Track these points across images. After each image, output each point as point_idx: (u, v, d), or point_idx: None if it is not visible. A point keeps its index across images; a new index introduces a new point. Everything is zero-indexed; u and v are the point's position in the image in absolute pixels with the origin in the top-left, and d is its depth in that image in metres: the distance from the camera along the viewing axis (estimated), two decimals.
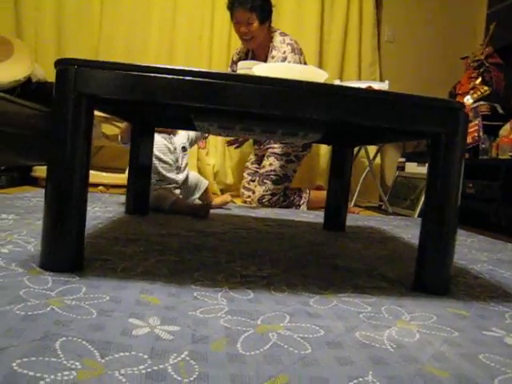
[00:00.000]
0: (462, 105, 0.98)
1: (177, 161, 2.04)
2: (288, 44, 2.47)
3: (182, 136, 2.11)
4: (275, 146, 2.63)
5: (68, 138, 0.87)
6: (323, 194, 2.58)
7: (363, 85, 1.09)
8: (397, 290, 0.99)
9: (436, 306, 0.90)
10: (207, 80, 0.86)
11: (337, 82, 1.30)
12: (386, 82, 1.21)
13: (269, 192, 2.55)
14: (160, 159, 1.97)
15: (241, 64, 1.21)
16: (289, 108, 0.90)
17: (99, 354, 0.56)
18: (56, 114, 0.88)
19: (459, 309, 0.90)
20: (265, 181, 2.58)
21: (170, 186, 2.01)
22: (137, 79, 0.86)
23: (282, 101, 0.89)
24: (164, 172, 1.98)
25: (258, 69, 1.09)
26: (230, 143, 2.65)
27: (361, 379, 0.56)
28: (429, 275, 1.00)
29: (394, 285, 1.04)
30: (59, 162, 0.88)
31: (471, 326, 0.80)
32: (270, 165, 2.61)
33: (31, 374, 0.50)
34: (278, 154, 2.62)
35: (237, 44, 2.75)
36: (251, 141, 2.90)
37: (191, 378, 0.53)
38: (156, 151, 1.93)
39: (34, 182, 2.56)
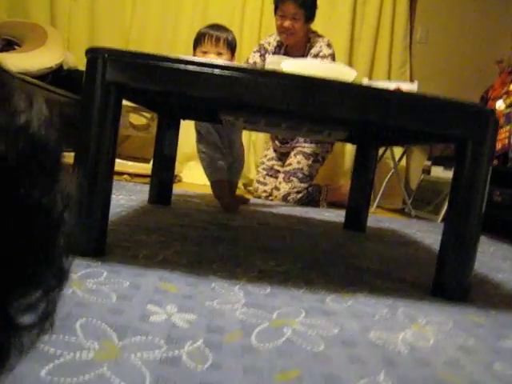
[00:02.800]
0: (493, 110, 0.96)
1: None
2: (325, 42, 2.49)
3: None
4: (305, 144, 2.63)
5: (96, 125, 0.89)
6: (344, 187, 2.57)
7: (392, 85, 1.08)
8: (414, 294, 0.99)
9: (453, 312, 0.89)
10: (234, 74, 0.86)
11: (365, 81, 1.29)
12: (416, 82, 1.19)
13: (295, 190, 2.56)
14: None
15: (269, 58, 1.21)
16: (315, 106, 0.90)
17: (117, 337, 0.58)
18: (85, 102, 0.90)
19: (477, 316, 0.89)
20: (291, 178, 2.58)
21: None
22: (164, 70, 0.87)
23: (308, 98, 0.89)
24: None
25: (287, 64, 1.09)
26: None
27: (372, 377, 0.57)
28: (448, 281, 0.99)
29: (412, 288, 1.03)
30: (86, 150, 0.90)
31: (488, 335, 0.79)
32: (298, 163, 2.61)
33: (52, 350, 0.52)
34: (306, 153, 2.62)
35: (267, 35, 2.74)
36: (268, 136, 2.90)
37: (204, 367, 0.54)
38: None
39: None
